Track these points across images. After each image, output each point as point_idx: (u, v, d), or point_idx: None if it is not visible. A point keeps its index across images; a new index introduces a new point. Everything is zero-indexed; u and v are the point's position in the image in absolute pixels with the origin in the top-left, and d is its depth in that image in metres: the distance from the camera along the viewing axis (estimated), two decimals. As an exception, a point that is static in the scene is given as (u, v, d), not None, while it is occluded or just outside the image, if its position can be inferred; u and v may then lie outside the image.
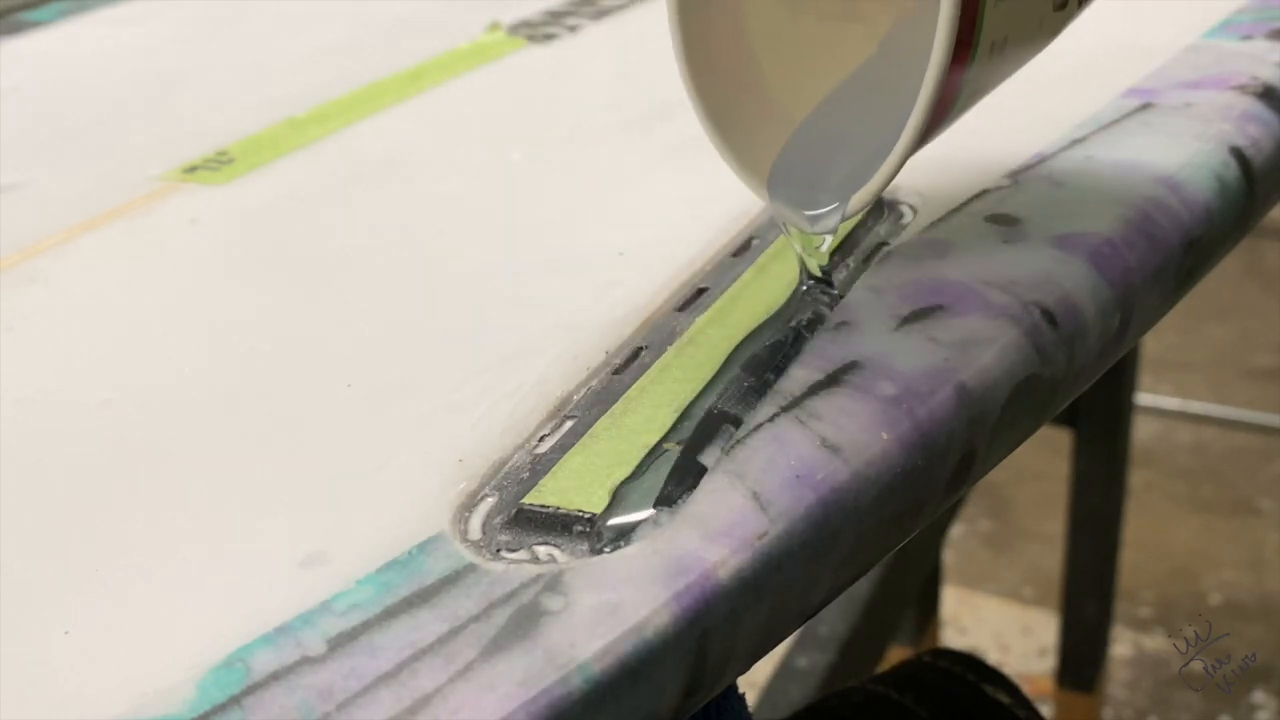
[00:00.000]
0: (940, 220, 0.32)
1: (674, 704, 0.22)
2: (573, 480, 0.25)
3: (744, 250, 0.32)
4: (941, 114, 0.26)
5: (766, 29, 0.30)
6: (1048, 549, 1.37)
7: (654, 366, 0.28)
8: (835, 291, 0.29)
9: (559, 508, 0.24)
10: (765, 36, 0.30)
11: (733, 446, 0.25)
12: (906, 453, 0.25)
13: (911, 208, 0.33)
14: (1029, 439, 0.29)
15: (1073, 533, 1.07)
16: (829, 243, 0.29)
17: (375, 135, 0.43)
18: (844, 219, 0.28)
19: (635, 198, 0.36)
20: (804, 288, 0.30)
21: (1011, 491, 1.49)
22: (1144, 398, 1.55)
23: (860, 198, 0.27)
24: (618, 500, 0.24)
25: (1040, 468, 1.41)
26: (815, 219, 0.28)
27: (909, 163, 0.36)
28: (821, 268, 0.29)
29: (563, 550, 0.23)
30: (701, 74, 0.29)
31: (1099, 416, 1.02)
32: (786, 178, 0.29)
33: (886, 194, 0.34)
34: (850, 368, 0.27)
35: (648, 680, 0.21)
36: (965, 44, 0.25)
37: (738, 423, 0.26)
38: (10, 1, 0.62)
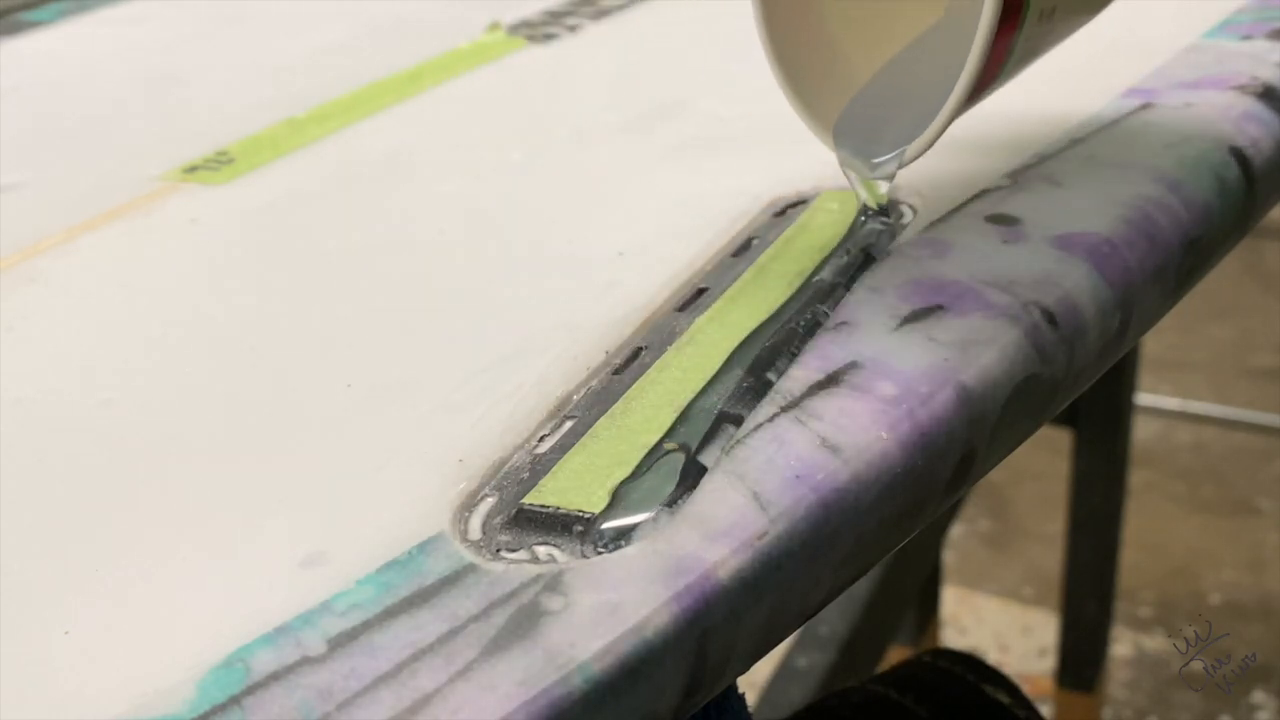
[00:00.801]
0: (940, 220, 0.32)
1: (674, 704, 0.22)
2: (573, 480, 0.25)
3: (744, 250, 0.32)
4: (990, 75, 0.29)
5: None
6: (1048, 549, 1.37)
7: (654, 366, 0.28)
8: (891, 220, 0.32)
9: (559, 508, 0.24)
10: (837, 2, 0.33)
11: (733, 446, 0.25)
12: (906, 453, 0.25)
13: (911, 208, 0.33)
14: (1029, 439, 0.29)
15: (1073, 533, 1.07)
16: (887, 186, 0.32)
17: (375, 135, 0.43)
18: (901, 166, 0.31)
19: (635, 198, 0.36)
20: (863, 219, 0.32)
21: (1011, 491, 1.49)
22: (1144, 398, 1.55)
23: (916, 147, 0.30)
24: (618, 500, 0.24)
25: (1040, 468, 1.41)
26: (876, 165, 0.31)
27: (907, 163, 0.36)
28: (879, 202, 0.32)
29: (563, 550, 0.23)
30: (778, 33, 0.32)
31: (1099, 416, 1.02)
32: (851, 128, 0.32)
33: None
34: (850, 368, 0.27)
35: (648, 680, 0.21)
36: (1014, 10, 0.28)
37: (738, 422, 0.26)
38: (10, 1, 0.62)
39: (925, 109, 0.30)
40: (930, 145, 0.30)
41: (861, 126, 0.32)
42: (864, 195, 0.32)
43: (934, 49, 0.33)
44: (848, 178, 0.32)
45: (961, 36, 0.29)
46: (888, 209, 0.33)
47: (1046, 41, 0.31)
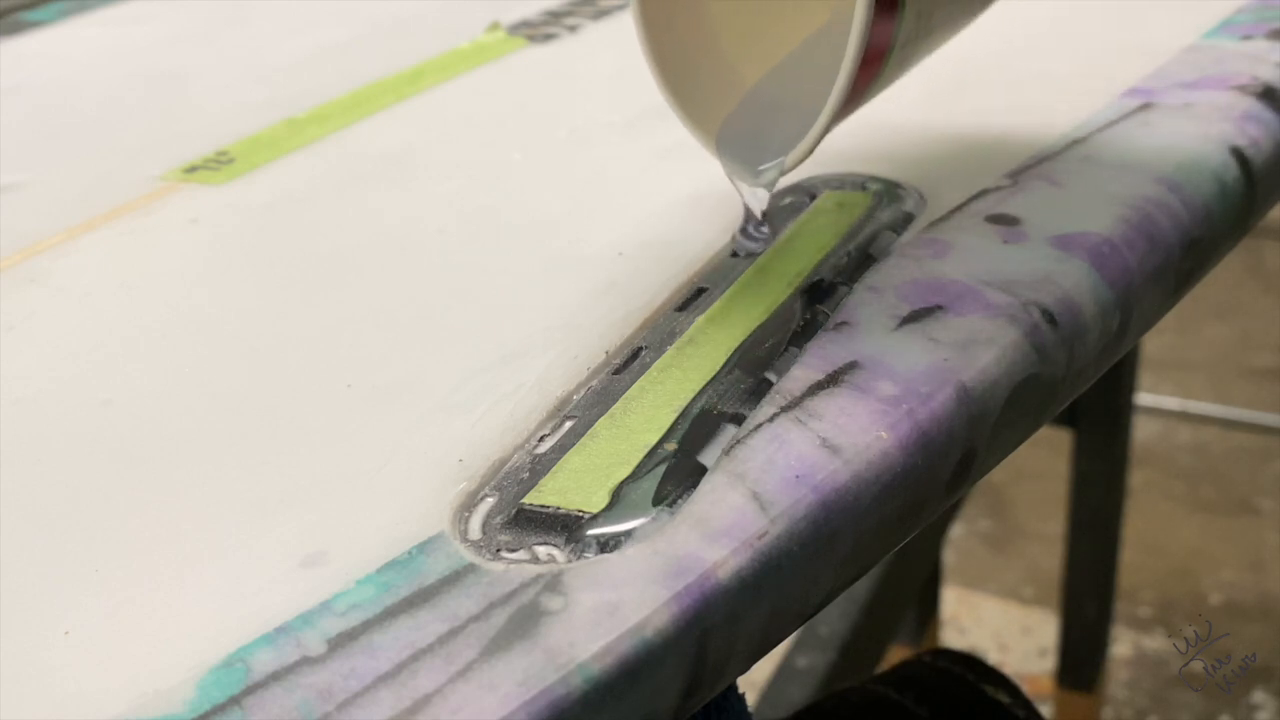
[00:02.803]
0: (940, 220, 0.32)
1: (674, 704, 0.22)
2: (573, 480, 0.25)
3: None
4: (867, 78, 0.28)
5: None
6: (1048, 549, 1.37)
7: (654, 366, 0.28)
8: (768, 233, 0.32)
9: (559, 508, 0.24)
10: (723, 3, 0.32)
11: (733, 446, 0.25)
12: (906, 453, 0.25)
13: (921, 196, 0.33)
14: (1029, 439, 0.29)
15: (1073, 533, 1.07)
16: (766, 197, 0.32)
17: (375, 135, 0.43)
18: (783, 174, 0.30)
19: (635, 198, 0.36)
20: (745, 227, 0.32)
21: (1011, 491, 1.49)
22: (1144, 398, 1.55)
23: (796, 155, 0.29)
24: (618, 500, 0.24)
25: (1040, 468, 1.41)
26: (759, 173, 0.31)
27: (907, 162, 0.36)
28: (761, 211, 0.32)
29: (563, 550, 0.23)
30: (660, 37, 0.31)
31: (1099, 416, 1.02)
32: (736, 136, 0.31)
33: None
34: (850, 368, 0.27)
35: (648, 680, 0.21)
36: (889, 9, 0.27)
37: (738, 422, 0.26)
38: (10, 1, 0.62)
39: (809, 116, 0.29)
40: (809, 151, 0.29)
41: (746, 134, 0.31)
42: (748, 201, 0.32)
43: (817, 55, 0.32)
44: (735, 186, 0.31)
45: (844, 42, 0.29)
46: (765, 221, 0.32)
47: (928, 43, 0.30)
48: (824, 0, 0.33)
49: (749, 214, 0.32)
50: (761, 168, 0.31)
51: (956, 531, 1.44)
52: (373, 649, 0.21)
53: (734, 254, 0.32)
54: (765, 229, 0.32)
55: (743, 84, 0.32)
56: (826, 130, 0.28)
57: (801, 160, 0.29)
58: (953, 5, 0.30)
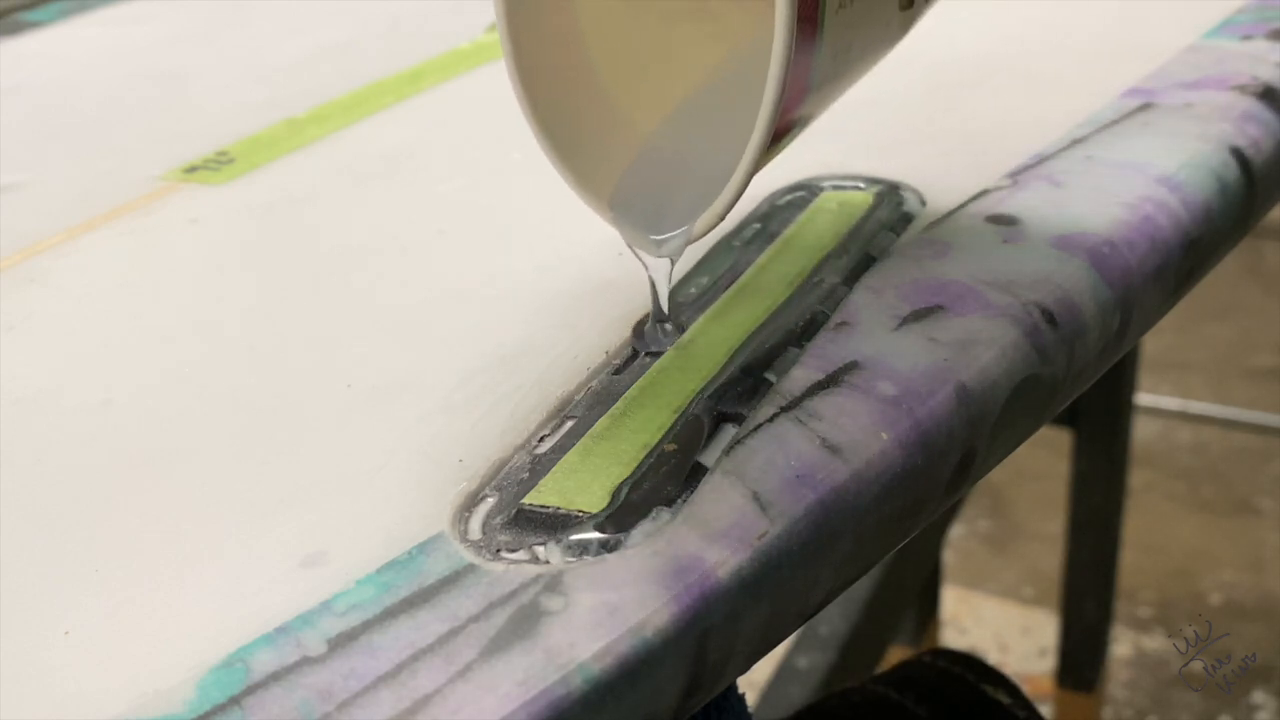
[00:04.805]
0: (940, 220, 0.32)
1: (674, 704, 0.22)
2: (573, 480, 0.25)
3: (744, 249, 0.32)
4: (786, 125, 0.24)
5: (605, 32, 0.27)
6: (1048, 549, 1.37)
7: (654, 366, 0.28)
8: (671, 329, 0.28)
9: (559, 508, 0.24)
10: (604, 40, 0.28)
11: (733, 446, 0.25)
12: (906, 453, 0.25)
13: (920, 198, 0.33)
14: (1029, 439, 0.29)
15: (1073, 533, 1.07)
16: (668, 281, 0.27)
17: (375, 135, 0.43)
18: (690, 242, 0.26)
19: (635, 198, 0.36)
20: (650, 325, 0.28)
21: (1011, 491, 1.49)
22: (1144, 398, 1.55)
23: (706, 220, 0.25)
24: (617, 500, 0.24)
25: (1040, 468, 1.41)
26: (661, 243, 0.26)
27: (907, 162, 0.36)
28: (663, 301, 0.28)
29: (563, 550, 0.23)
30: (535, 81, 0.26)
31: (1099, 416, 1.02)
32: (632, 197, 0.27)
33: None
34: (850, 368, 0.27)
35: (648, 680, 0.21)
36: (806, 52, 0.23)
37: (738, 422, 0.26)
38: (10, 1, 0.62)
39: (715, 171, 0.25)
40: (722, 217, 0.25)
41: (645, 195, 0.27)
42: (653, 275, 0.27)
43: (719, 98, 0.28)
44: (637, 257, 0.27)
45: (746, 82, 0.25)
46: (667, 317, 0.28)
47: (845, 82, 0.26)
48: (718, 27, 0.28)
49: (655, 299, 0.28)
50: (662, 236, 0.26)
51: (956, 531, 1.44)
52: (373, 649, 0.21)
53: (636, 352, 0.28)
54: (669, 326, 0.28)
55: (638, 136, 0.28)
56: (741, 190, 0.24)
57: (712, 227, 0.25)
58: (869, 36, 0.26)
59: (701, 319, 0.29)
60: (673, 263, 0.27)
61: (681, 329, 0.28)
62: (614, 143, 0.27)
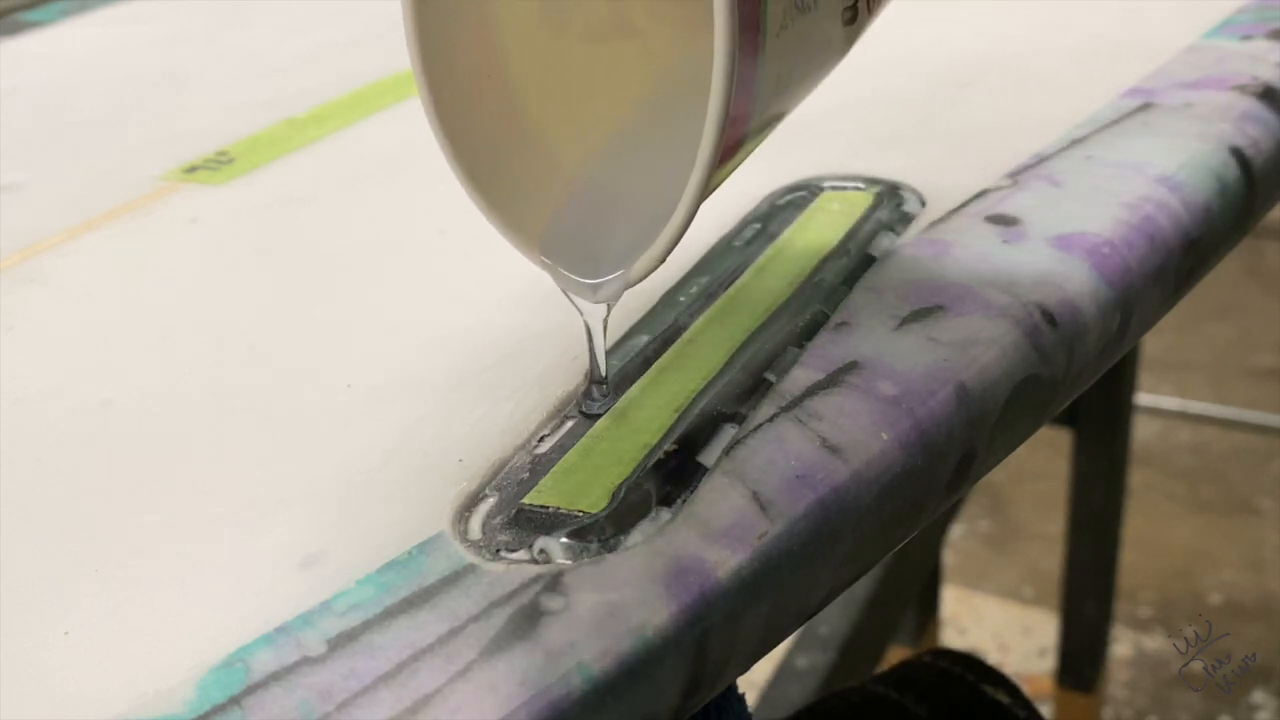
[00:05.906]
0: (940, 220, 0.32)
1: (674, 704, 0.22)
2: (573, 480, 0.25)
3: (744, 249, 0.32)
4: (729, 154, 0.22)
5: (527, 62, 0.26)
6: (1048, 549, 1.37)
7: (654, 366, 0.28)
8: (608, 391, 0.26)
9: (559, 508, 0.24)
10: (526, 71, 0.26)
11: (733, 446, 0.25)
12: (906, 453, 0.25)
13: (919, 198, 0.33)
14: (1029, 439, 0.29)
15: (1073, 533, 1.07)
16: (603, 340, 0.25)
17: (375, 135, 0.43)
18: (628, 286, 0.24)
19: (635, 198, 0.36)
20: (585, 386, 0.27)
21: (1011, 491, 1.49)
22: (1144, 398, 1.55)
23: (645, 263, 0.23)
24: (617, 500, 0.24)
25: (1040, 468, 1.41)
26: (596, 288, 0.24)
27: (907, 162, 0.36)
28: (600, 359, 0.26)
29: (563, 550, 0.23)
30: (455, 120, 0.24)
31: (1099, 416, 1.02)
32: (564, 239, 0.25)
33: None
34: (850, 368, 0.27)
35: (648, 680, 0.21)
36: (748, 79, 0.21)
37: (738, 422, 0.26)
38: (10, 1, 0.62)
39: (652, 207, 0.23)
40: (663, 258, 0.23)
41: (576, 235, 0.25)
42: (588, 321, 0.25)
43: (651, 129, 0.26)
44: (571, 302, 0.25)
45: (680, 109, 0.23)
46: (604, 378, 0.26)
47: (787, 105, 0.24)
48: (645, 46, 0.27)
49: (591, 354, 0.25)
50: (598, 281, 0.24)
51: (956, 531, 1.44)
52: (373, 649, 0.21)
53: (581, 412, 0.26)
54: (605, 386, 0.26)
55: (568, 173, 0.26)
56: (684, 228, 0.22)
57: (652, 269, 0.23)
58: (810, 59, 0.24)
59: (701, 319, 0.29)
60: (609, 309, 0.25)
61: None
62: (543, 181, 0.25)
